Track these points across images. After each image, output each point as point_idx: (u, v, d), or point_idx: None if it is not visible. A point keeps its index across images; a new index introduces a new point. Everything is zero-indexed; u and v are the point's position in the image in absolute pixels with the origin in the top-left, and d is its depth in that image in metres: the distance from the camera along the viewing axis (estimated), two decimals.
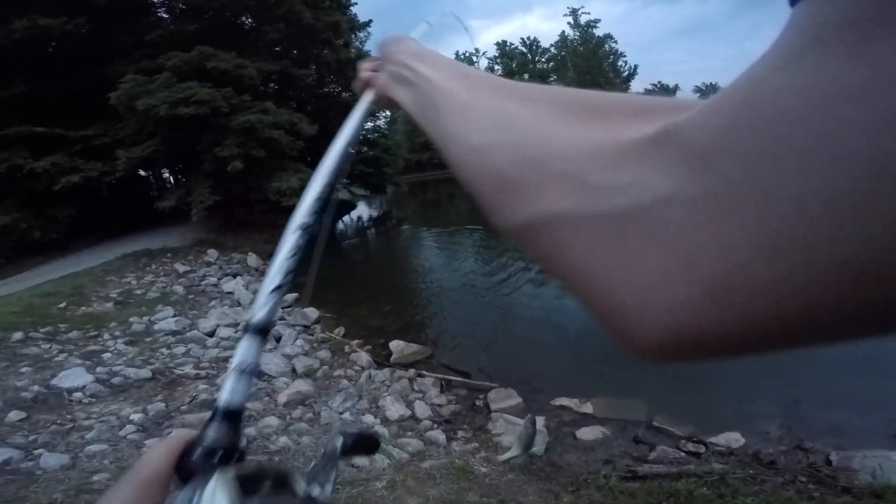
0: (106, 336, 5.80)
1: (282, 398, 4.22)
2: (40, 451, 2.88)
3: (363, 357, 5.39)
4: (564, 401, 4.20)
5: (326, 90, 21.37)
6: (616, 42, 60.34)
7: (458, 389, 4.69)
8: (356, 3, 22.12)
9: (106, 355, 5.13)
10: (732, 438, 3.46)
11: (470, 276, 8.93)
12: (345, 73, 20.45)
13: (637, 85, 63.59)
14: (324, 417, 3.87)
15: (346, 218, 21.79)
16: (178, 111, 12.33)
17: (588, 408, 4.11)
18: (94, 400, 3.95)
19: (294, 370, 5.05)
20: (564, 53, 57.43)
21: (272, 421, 3.69)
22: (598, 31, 58.15)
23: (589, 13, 64.33)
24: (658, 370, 4.74)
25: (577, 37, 57.89)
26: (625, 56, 64.46)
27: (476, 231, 13.97)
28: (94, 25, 14.12)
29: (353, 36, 22.43)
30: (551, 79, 59.35)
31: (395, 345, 5.69)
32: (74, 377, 4.31)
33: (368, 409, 4.16)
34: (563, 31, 60.89)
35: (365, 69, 0.56)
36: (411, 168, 51.21)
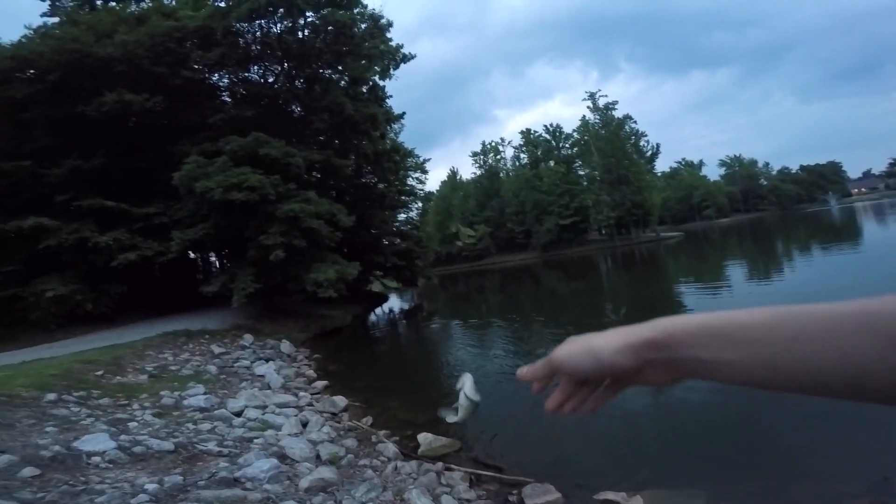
0: (135, 406, 5.72)
1: (303, 483, 3.92)
2: None
3: (390, 448, 5.06)
4: (610, 495, 3.71)
5: (364, 180, 22.50)
6: (636, 122, 61.34)
7: (488, 484, 4.26)
8: (391, 97, 23.93)
9: (132, 424, 5.02)
10: None
11: (501, 366, 8.59)
12: (380, 164, 21.74)
13: (662, 163, 63.27)
14: None
15: (377, 310, 21.87)
16: (231, 196, 13.03)
17: (638, 502, 3.62)
18: (111, 465, 3.79)
19: (318, 456, 4.76)
20: (587, 138, 58.18)
21: None
22: (617, 113, 59.04)
23: (606, 95, 66.06)
24: (716, 454, 4.24)
25: (597, 120, 58.71)
26: (646, 135, 65.52)
27: (506, 323, 13.70)
28: (168, 104, 15.64)
29: (388, 127, 24.11)
30: (576, 164, 60.04)
31: (424, 437, 5.34)
32: (96, 442, 4.19)
33: (392, 501, 3.80)
34: (584, 116, 61.08)
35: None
36: (442, 260, 51.85)
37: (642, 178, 55.03)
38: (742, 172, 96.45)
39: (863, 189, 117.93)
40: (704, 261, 23.33)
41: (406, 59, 20.95)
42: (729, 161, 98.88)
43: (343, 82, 20.00)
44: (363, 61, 18.77)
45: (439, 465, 4.58)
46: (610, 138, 55.50)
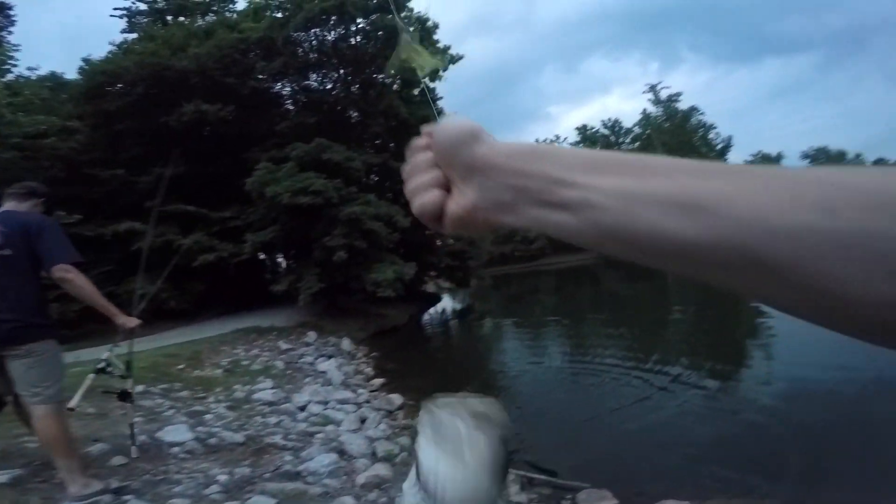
0: (211, 399, 6.19)
1: (360, 479, 4.09)
2: (129, 497, 3.01)
3: None
4: (672, 503, 3.58)
5: None
6: (703, 114, 57.70)
7: (541, 488, 4.23)
8: (442, 98, 23.92)
9: (208, 416, 5.43)
10: None
11: (556, 369, 8.47)
12: None
13: (735, 156, 59.01)
14: None
15: (431, 310, 22.13)
16: (298, 200, 13.72)
17: None
18: (189, 456, 4.13)
19: (374, 453, 4.93)
20: (650, 132, 55.63)
21: (348, 500, 3.56)
22: (682, 105, 56.21)
23: (669, 87, 62.04)
24: (780, 461, 3.99)
25: (660, 113, 56.22)
26: (716, 127, 60.85)
27: (560, 326, 13.43)
28: (239, 113, 16.68)
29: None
30: None
31: None
32: (177, 433, 4.58)
33: None
34: (645, 109, 58.99)
35: (420, 184, 0.41)
36: (495, 261, 51.40)
37: None
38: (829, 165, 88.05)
39: None
40: None
41: (454, 59, 21.07)
42: (813, 153, 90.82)
43: (396, 86, 20.42)
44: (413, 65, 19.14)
45: None
46: (674, 131, 53.01)
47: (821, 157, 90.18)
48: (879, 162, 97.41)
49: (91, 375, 3.23)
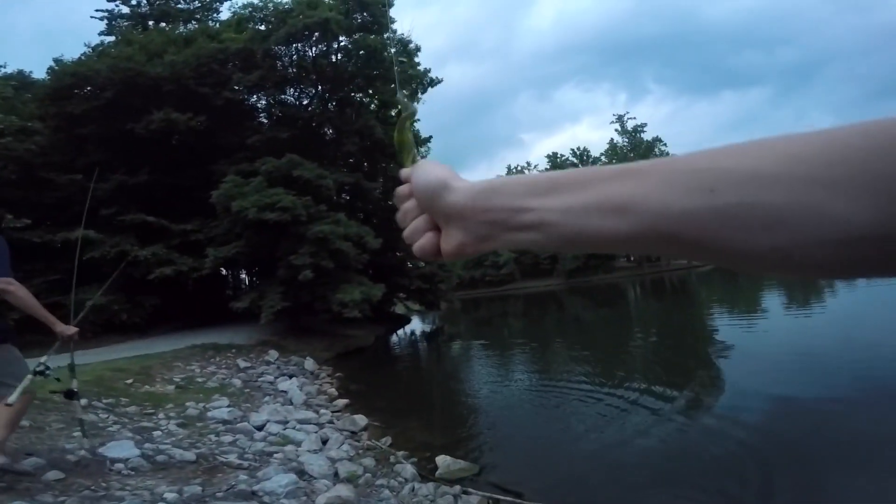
0: (161, 415, 5.83)
1: (321, 500, 3.89)
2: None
3: (408, 469, 4.98)
4: None
5: (392, 203, 22.81)
6: (665, 145, 60.06)
7: None
8: (419, 120, 24.39)
9: (157, 433, 5.11)
10: None
11: (521, 391, 8.44)
12: None
13: None
14: None
15: (399, 331, 21.84)
16: (265, 216, 13.38)
17: None
18: (133, 473, 3.84)
19: (337, 474, 4.73)
20: (615, 161, 57.73)
21: None
22: (647, 136, 58.29)
23: (635, 118, 64.97)
24: (752, 473, 4.03)
25: (625, 143, 58.08)
26: None
27: (527, 349, 13.46)
28: (210, 123, 16.39)
29: (416, 151, 24.50)
30: None
31: (442, 459, 5.25)
32: (121, 448, 4.27)
33: None
34: (612, 139, 60.73)
35: (414, 230, 0.47)
36: (465, 284, 51.55)
37: None
38: None
39: None
40: (739, 289, 22.56)
41: (433, 83, 21.43)
42: None
43: (373, 106, 20.54)
44: (392, 85, 19.46)
45: (457, 488, 4.48)
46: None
47: None
48: None
49: (29, 377, 3.06)
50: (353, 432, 6.57)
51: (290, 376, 10.27)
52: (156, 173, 15.88)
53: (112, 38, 19.89)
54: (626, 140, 58.62)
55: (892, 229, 0.24)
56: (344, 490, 4.21)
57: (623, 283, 43.06)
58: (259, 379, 9.62)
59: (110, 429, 4.89)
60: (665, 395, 6.98)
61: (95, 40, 20.30)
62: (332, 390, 9.53)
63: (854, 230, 0.25)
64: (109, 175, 15.05)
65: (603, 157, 61.25)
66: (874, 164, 0.24)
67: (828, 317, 12.47)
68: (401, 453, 5.57)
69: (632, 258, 57.36)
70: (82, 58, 17.27)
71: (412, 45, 20.07)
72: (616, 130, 60.79)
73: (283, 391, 8.80)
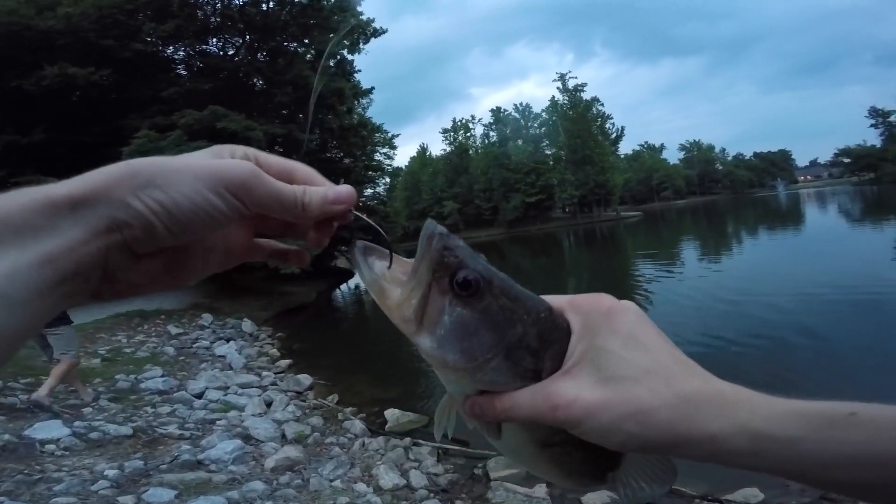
0: (89, 391, 5.52)
1: (269, 463, 3.93)
2: (2, 499, 2.63)
3: (357, 425, 5.11)
4: None
5: (329, 155, 21.97)
6: (603, 105, 63.04)
7: (455, 458, 4.40)
8: (360, 71, 23.35)
9: (86, 410, 4.87)
10: (751, 494, 3.25)
11: None
12: (347, 139, 21.32)
13: (626, 146, 65.40)
14: (313, 484, 3.58)
15: (343, 286, 21.68)
16: None
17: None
18: (67, 453, 3.68)
19: (284, 436, 4.76)
20: (555, 118, 59.10)
21: (258, 486, 3.40)
22: (586, 95, 60.34)
23: (576, 77, 66.96)
24: None
25: (566, 101, 59.75)
26: (612, 118, 67.74)
27: None
28: (117, 77, 14.88)
29: (356, 102, 23.55)
30: (543, 143, 60.80)
31: (391, 413, 5.43)
32: (50, 429, 4.04)
33: (361, 477, 3.87)
34: (553, 97, 62.17)
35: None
36: (409, 235, 51.66)
37: (606, 160, 56.73)
38: (700, 157, 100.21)
39: (808, 177, 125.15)
40: (661, 239, 24.23)
41: (377, 33, 20.34)
42: (688, 146, 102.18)
43: (309, 56, 19.29)
44: (331, 35, 18.24)
45: (407, 440, 4.68)
46: (577, 119, 56.57)
47: (693, 149, 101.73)
48: (738, 156, 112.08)
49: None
50: (298, 392, 6.59)
51: (228, 340, 9.99)
52: (53, 131, 14.26)
53: None
54: (567, 98, 59.73)
55: None
56: (293, 451, 4.27)
57: (559, 233, 44.90)
58: (194, 345, 9.28)
59: (33, 409, 4.58)
60: None
61: None
62: (274, 351, 9.41)
63: None
64: None
65: (543, 114, 62.53)
66: None
67: (735, 262, 13.78)
68: (349, 410, 5.67)
69: (566, 209, 59.64)
70: None
71: None
72: (558, 88, 61.71)
73: (220, 356, 8.56)
